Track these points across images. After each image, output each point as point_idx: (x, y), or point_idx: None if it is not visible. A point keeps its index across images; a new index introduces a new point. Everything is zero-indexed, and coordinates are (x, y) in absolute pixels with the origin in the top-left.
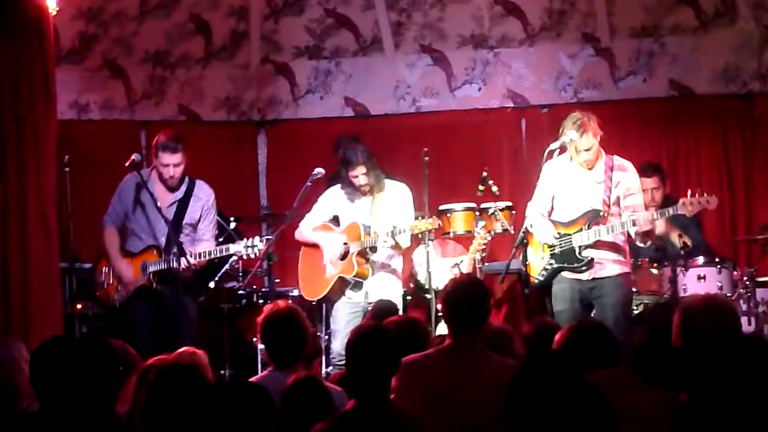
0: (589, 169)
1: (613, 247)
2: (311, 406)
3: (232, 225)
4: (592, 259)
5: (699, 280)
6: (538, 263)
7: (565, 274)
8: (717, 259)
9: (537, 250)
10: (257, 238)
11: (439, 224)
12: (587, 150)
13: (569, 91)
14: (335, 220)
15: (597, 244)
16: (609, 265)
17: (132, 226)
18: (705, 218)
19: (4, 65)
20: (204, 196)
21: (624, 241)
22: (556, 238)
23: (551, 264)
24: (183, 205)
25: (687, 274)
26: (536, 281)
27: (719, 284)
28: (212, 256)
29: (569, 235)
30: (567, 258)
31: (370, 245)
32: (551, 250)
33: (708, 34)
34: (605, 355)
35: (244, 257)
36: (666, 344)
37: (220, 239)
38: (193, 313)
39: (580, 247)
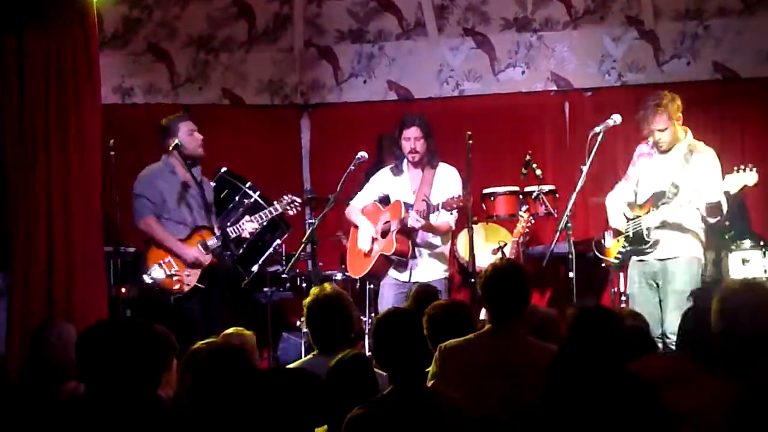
0: (666, 151)
1: (682, 229)
2: (356, 385)
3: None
4: (658, 240)
5: (743, 264)
6: (614, 247)
7: (635, 256)
8: (762, 243)
9: (614, 234)
10: (290, 195)
11: (461, 203)
12: (660, 131)
13: (613, 75)
14: (386, 200)
15: (666, 226)
16: (675, 247)
17: (170, 214)
18: (749, 202)
19: (48, 50)
20: (206, 181)
21: (700, 227)
22: (628, 220)
23: (625, 247)
24: (201, 185)
25: (731, 257)
26: (612, 265)
27: (764, 268)
28: (260, 221)
29: (640, 216)
30: (637, 240)
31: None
32: (626, 233)
33: (753, 16)
34: (608, 343)
35: (282, 213)
36: (708, 329)
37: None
38: (228, 294)
39: (648, 228)
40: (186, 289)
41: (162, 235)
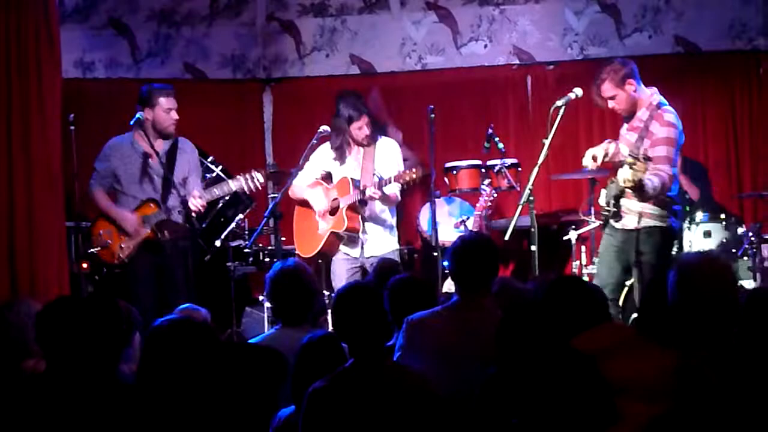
0: (630, 117)
1: (638, 198)
2: (327, 364)
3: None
4: (617, 211)
5: (704, 236)
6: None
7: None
8: (722, 216)
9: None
10: (254, 171)
11: (422, 173)
12: (611, 98)
13: (575, 48)
14: (329, 177)
15: (627, 195)
16: (632, 217)
17: (123, 187)
18: (710, 174)
19: (8, 24)
20: (189, 150)
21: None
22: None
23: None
24: (170, 159)
25: (692, 230)
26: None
27: (725, 240)
28: (214, 196)
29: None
30: (605, 207)
31: (360, 198)
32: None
33: None
34: (581, 313)
35: (246, 191)
36: (664, 302)
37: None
38: (191, 269)
39: (615, 197)
40: (117, 261)
41: (105, 206)
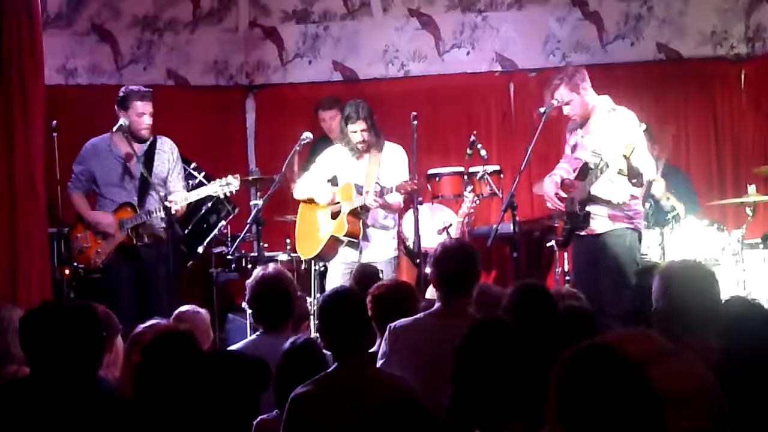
0: (584, 122)
1: (605, 202)
2: (309, 370)
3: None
4: (589, 213)
5: (686, 243)
6: (560, 226)
7: (576, 232)
8: (705, 222)
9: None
10: (231, 176)
11: (416, 186)
12: (565, 104)
13: (557, 55)
14: (333, 180)
15: (596, 200)
16: (600, 221)
17: (101, 190)
18: (692, 181)
19: None
20: (168, 149)
21: (634, 201)
22: (562, 199)
23: (567, 225)
24: (148, 159)
25: (674, 236)
26: (557, 243)
27: (707, 246)
28: (189, 200)
29: (571, 192)
30: (572, 216)
31: (361, 205)
32: (566, 210)
33: None
34: (542, 320)
35: (221, 196)
36: (650, 308)
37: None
38: (172, 275)
39: (581, 202)
40: (92, 266)
41: (77, 207)
